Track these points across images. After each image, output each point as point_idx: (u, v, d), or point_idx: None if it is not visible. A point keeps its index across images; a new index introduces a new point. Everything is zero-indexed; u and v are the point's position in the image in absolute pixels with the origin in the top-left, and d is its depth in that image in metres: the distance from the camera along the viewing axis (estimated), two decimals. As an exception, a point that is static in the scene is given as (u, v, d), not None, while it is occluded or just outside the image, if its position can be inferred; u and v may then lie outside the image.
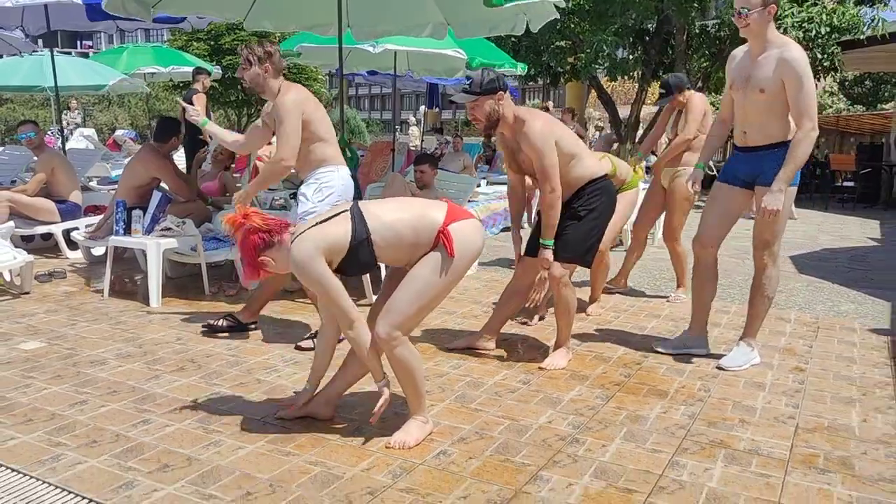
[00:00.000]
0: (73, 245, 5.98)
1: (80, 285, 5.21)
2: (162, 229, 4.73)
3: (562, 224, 3.52)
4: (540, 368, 3.58)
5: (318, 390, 2.91)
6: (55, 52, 12.22)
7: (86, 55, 13.79)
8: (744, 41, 3.60)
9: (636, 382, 3.45)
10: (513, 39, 13.50)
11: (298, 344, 3.82)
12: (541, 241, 3.52)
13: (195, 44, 23.23)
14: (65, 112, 16.23)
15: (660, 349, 3.92)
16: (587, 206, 3.57)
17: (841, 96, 27.48)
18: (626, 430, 2.90)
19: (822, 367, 3.74)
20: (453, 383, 3.36)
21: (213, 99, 25.56)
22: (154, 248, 4.59)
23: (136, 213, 4.73)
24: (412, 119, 25.18)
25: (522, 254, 3.82)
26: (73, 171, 6.51)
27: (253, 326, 4.12)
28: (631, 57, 13.75)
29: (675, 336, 4.05)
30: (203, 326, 4.04)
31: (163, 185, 5.37)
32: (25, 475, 2.40)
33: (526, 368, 3.61)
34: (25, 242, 6.55)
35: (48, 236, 6.31)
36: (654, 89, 22.68)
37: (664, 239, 5.19)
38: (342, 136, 6.03)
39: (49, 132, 15.70)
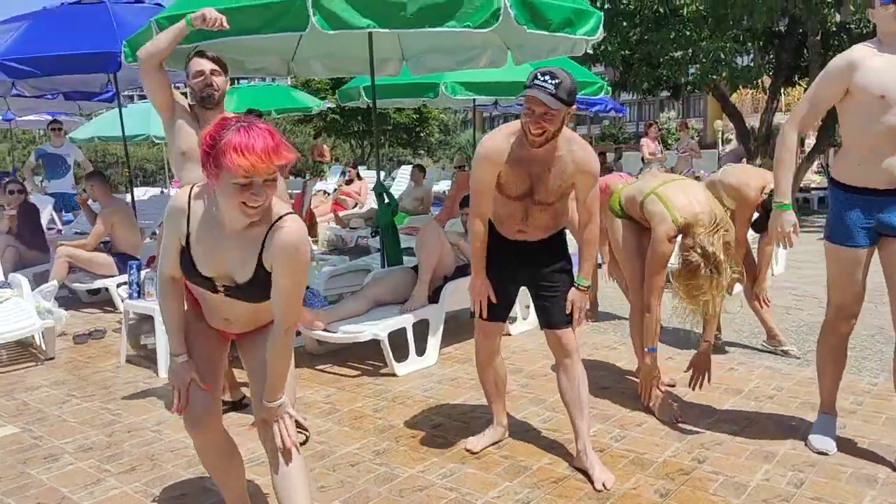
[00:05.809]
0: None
1: (112, 347, 5.00)
2: (175, 292, 4.41)
3: (553, 281, 2.96)
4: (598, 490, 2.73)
5: None
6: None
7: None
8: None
9: (673, 506, 2.62)
10: (623, 53, 12.54)
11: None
12: (581, 280, 2.90)
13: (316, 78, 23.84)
14: None
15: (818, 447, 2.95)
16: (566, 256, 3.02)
17: None
18: None
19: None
20: (432, 503, 2.70)
21: (335, 131, 26.23)
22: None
23: (149, 273, 4.45)
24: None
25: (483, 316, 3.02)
26: (135, 225, 6.46)
27: (245, 401, 3.68)
28: (756, 64, 12.36)
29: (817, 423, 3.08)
30: None
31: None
32: None
33: (536, 477, 2.87)
34: (91, 295, 6.60)
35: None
36: (793, 96, 20.63)
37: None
38: (378, 181, 5.55)
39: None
